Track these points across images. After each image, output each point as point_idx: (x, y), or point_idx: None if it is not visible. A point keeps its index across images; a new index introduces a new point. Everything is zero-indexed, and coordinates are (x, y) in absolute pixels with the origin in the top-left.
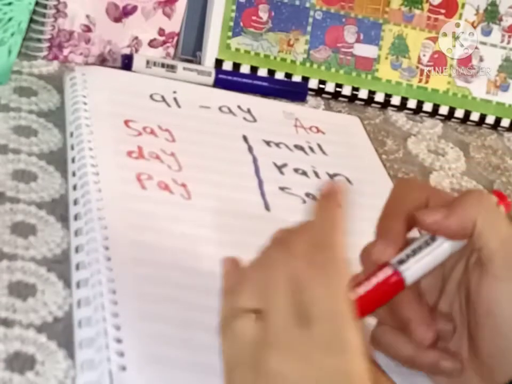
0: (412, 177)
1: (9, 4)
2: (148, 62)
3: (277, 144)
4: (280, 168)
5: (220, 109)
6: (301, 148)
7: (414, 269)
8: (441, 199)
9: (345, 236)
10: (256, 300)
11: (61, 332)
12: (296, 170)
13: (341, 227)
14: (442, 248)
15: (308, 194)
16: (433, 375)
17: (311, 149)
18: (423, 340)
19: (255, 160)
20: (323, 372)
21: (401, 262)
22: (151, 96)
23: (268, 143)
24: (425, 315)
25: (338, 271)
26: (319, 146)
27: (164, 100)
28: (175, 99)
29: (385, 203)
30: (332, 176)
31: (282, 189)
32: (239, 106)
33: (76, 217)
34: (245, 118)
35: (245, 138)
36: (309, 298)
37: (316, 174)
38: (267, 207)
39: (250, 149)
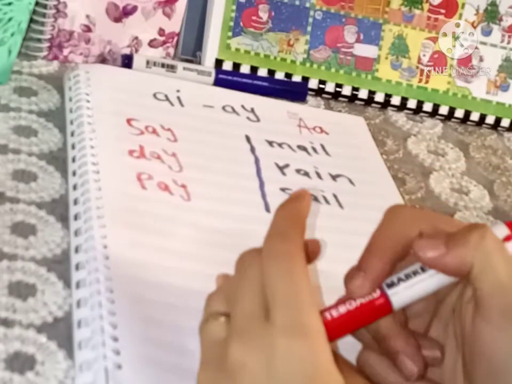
0: (405, 205)
1: (9, 4)
2: (147, 62)
3: (280, 145)
4: (282, 169)
5: (223, 108)
6: (304, 149)
7: (403, 295)
8: (435, 229)
9: (303, 228)
10: (226, 303)
11: (61, 332)
12: (298, 171)
13: (299, 220)
14: (435, 279)
15: None
16: None
17: (314, 149)
18: (411, 374)
19: (257, 161)
20: (286, 357)
21: (391, 285)
22: (154, 95)
23: (270, 143)
24: (413, 346)
25: (292, 259)
26: (323, 146)
27: (167, 98)
28: (178, 98)
29: (373, 231)
30: (334, 177)
31: (283, 190)
32: (242, 106)
33: (75, 217)
34: (248, 118)
35: (247, 138)
36: (269, 290)
37: (318, 175)
38: (267, 209)
39: (252, 149)
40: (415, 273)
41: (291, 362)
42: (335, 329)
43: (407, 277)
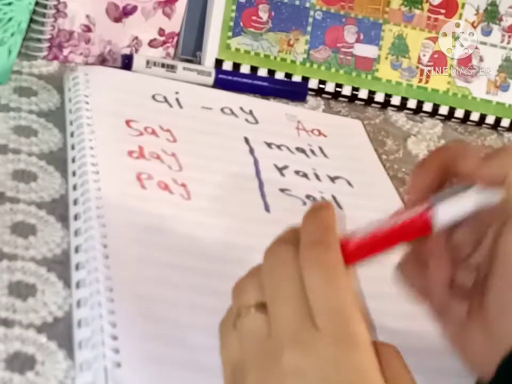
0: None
1: (9, 4)
2: (148, 62)
3: (278, 146)
4: (281, 170)
5: (222, 110)
6: (302, 151)
7: (445, 211)
8: (478, 152)
9: (337, 235)
10: (260, 294)
11: (61, 332)
12: (297, 172)
13: (332, 228)
14: (476, 196)
15: (308, 196)
16: (440, 315)
17: (313, 151)
18: (438, 281)
19: (256, 162)
20: (339, 367)
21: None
22: (153, 97)
23: (269, 145)
24: (446, 259)
25: (336, 268)
26: (321, 149)
27: (166, 100)
28: (177, 100)
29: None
30: (332, 178)
31: (282, 190)
32: (241, 108)
33: (75, 217)
34: (246, 120)
35: (246, 140)
36: (315, 299)
37: (317, 177)
38: (267, 209)
39: (251, 151)
40: (456, 192)
41: (344, 372)
42: (381, 242)
43: (450, 194)
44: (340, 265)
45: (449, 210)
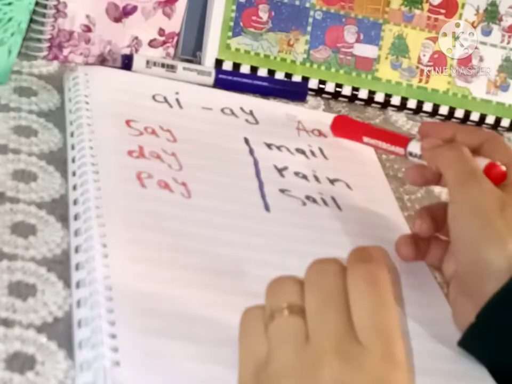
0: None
1: (9, 4)
2: (147, 62)
3: (278, 147)
4: (280, 171)
5: (222, 110)
6: (302, 152)
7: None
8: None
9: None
10: (298, 297)
11: (61, 332)
12: (296, 173)
13: (382, 252)
14: None
15: (308, 197)
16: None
17: (312, 152)
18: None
19: (255, 163)
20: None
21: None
22: (153, 97)
23: (269, 145)
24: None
25: (386, 287)
26: (321, 150)
27: (166, 100)
28: (177, 100)
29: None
30: (332, 181)
31: (282, 191)
32: (241, 108)
33: (75, 217)
34: (247, 120)
35: (246, 140)
36: (365, 315)
37: (316, 179)
38: (267, 208)
39: (251, 151)
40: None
41: None
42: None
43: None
44: (388, 284)
45: (416, 146)
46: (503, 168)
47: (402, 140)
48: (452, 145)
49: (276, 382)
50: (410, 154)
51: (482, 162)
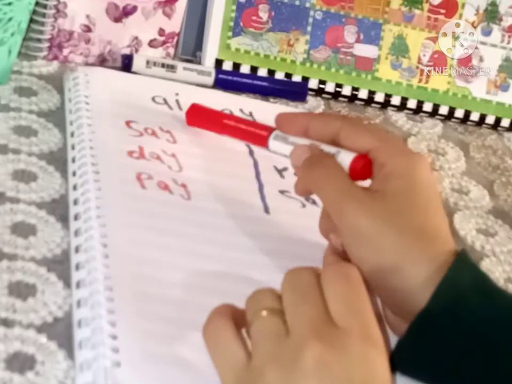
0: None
1: (9, 4)
2: (148, 62)
3: None
4: (280, 172)
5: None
6: None
7: (274, 144)
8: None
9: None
10: (279, 302)
11: (61, 332)
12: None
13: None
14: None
15: (307, 198)
16: None
17: None
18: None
19: (255, 164)
20: (363, 362)
21: (280, 138)
22: (153, 99)
23: None
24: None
25: (359, 280)
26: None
27: (166, 102)
28: (177, 101)
29: None
30: None
31: (282, 192)
32: (241, 109)
33: (75, 217)
34: None
35: None
36: (341, 304)
37: None
38: (266, 210)
39: (251, 153)
40: (289, 143)
41: (369, 367)
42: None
43: (285, 140)
44: (359, 279)
45: (275, 145)
46: (368, 157)
47: (261, 138)
48: (315, 163)
49: (259, 373)
50: (275, 153)
51: (346, 158)
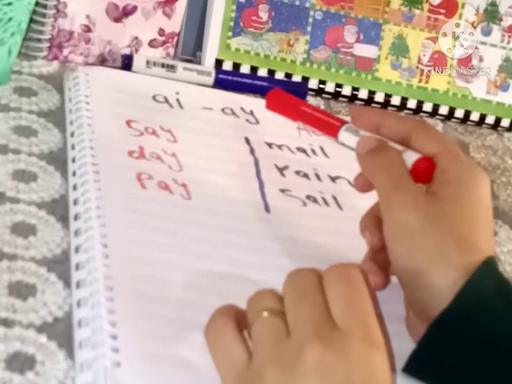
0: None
1: (9, 4)
2: (148, 62)
3: (279, 146)
4: (281, 170)
5: (222, 110)
6: (303, 150)
7: (345, 135)
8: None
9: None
10: (280, 304)
11: (61, 332)
12: (297, 172)
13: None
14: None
15: (308, 197)
16: None
17: (313, 151)
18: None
19: (256, 162)
20: (364, 363)
21: (348, 129)
22: (153, 97)
23: (269, 145)
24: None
25: (361, 282)
26: (321, 148)
27: (166, 101)
28: (177, 100)
29: None
30: (333, 178)
31: (283, 191)
32: (242, 108)
33: (75, 217)
34: (247, 120)
35: (247, 140)
36: (335, 300)
37: (318, 177)
38: (267, 209)
39: (252, 151)
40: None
41: (369, 367)
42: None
43: (355, 132)
44: (361, 278)
45: (345, 136)
46: (432, 161)
47: (333, 128)
48: (379, 151)
49: (260, 374)
50: (343, 144)
51: (410, 157)
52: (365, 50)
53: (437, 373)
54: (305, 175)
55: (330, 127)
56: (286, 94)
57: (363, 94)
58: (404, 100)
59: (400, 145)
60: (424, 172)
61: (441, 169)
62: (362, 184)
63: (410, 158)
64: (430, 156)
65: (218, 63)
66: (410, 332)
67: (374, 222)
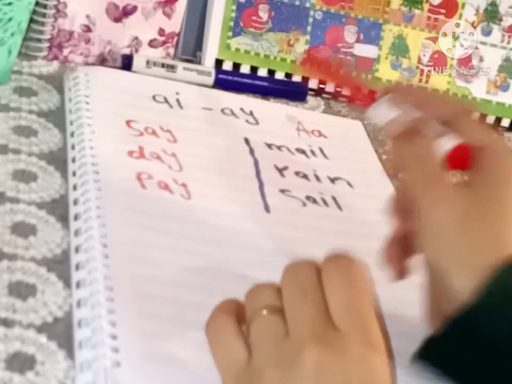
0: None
1: (9, 4)
2: (147, 62)
3: (279, 147)
4: (281, 171)
5: (222, 110)
6: (302, 151)
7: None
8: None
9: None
10: (279, 300)
11: (61, 332)
12: (297, 173)
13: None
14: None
15: (308, 197)
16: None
17: (313, 152)
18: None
19: (256, 163)
20: (362, 365)
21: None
22: (153, 97)
23: (269, 145)
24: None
25: (361, 279)
26: (321, 149)
27: (166, 101)
28: (177, 100)
29: None
30: (332, 179)
31: (282, 191)
32: (241, 109)
33: (75, 217)
34: (247, 121)
35: (246, 140)
36: (334, 300)
37: (317, 178)
38: (267, 209)
39: (251, 152)
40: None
41: (368, 370)
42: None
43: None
44: (361, 275)
45: (380, 108)
46: (471, 149)
47: (370, 96)
48: (411, 137)
49: (259, 374)
50: (372, 117)
51: (450, 142)
52: (365, 50)
53: (453, 364)
54: (305, 176)
55: (367, 94)
56: (323, 58)
57: None
58: None
59: (440, 126)
60: (460, 160)
61: (480, 162)
62: (394, 166)
63: (449, 142)
64: (475, 146)
65: (218, 63)
66: (428, 321)
67: (401, 207)
